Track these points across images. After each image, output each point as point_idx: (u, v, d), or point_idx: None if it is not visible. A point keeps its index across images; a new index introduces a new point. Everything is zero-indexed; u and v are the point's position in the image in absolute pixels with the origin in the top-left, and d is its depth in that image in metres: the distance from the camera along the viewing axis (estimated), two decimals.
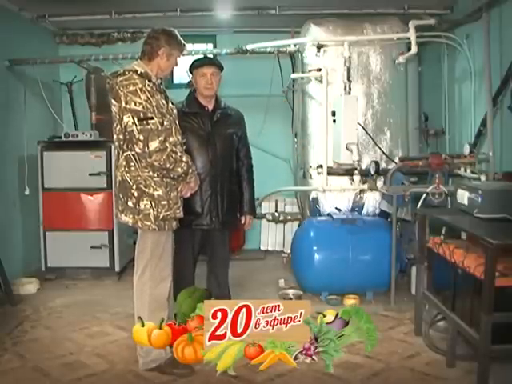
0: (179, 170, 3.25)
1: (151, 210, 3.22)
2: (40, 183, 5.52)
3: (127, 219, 3.28)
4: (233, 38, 6.42)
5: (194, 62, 4.03)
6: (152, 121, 3.12)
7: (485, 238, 2.91)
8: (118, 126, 3.21)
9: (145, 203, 3.22)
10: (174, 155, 3.19)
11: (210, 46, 6.87)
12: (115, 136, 3.27)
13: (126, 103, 3.12)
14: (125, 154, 3.23)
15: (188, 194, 3.48)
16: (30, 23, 5.91)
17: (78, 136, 5.54)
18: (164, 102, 3.30)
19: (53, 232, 5.52)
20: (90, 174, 5.44)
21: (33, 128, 5.70)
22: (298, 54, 5.63)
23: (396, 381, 3.32)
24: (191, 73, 4.04)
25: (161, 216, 3.24)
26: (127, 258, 5.82)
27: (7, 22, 5.45)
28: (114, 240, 5.51)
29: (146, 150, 3.12)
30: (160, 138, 3.12)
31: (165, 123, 3.21)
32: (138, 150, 3.14)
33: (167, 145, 3.15)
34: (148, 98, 3.14)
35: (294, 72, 5.68)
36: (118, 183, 3.32)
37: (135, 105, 3.11)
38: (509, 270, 3.01)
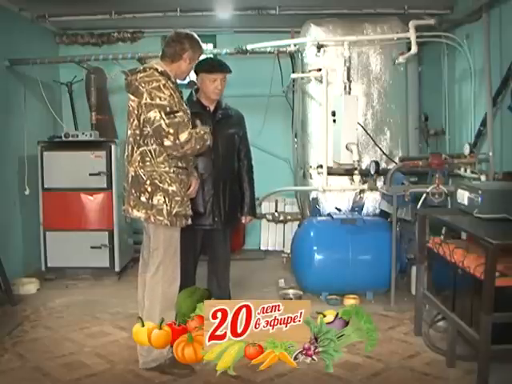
0: (208, 142, 3.36)
1: (164, 205, 3.24)
2: (40, 183, 5.51)
3: (139, 214, 3.29)
4: (233, 37, 6.42)
5: (204, 64, 3.89)
6: (178, 114, 3.19)
7: (485, 238, 2.91)
8: (135, 122, 3.25)
9: (158, 198, 3.24)
10: (196, 135, 3.25)
11: (210, 45, 6.85)
12: (130, 131, 3.30)
13: (152, 99, 3.17)
14: (140, 149, 3.26)
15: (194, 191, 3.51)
16: (30, 23, 5.90)
17: (78, 136, 5.53)
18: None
19: (53, 232, 5.52)
20: (90, 174, 5.43)
21: (33, 128, 5.68)
22: (298, 53, 5.62)
23: (396, 381, 3.32)
24: (196, 74, 3.94)
25: (174, 212, 3.26)
26: (127, 257, 5.84)
27: (7, 22, 5.45)
28: (114, 240, 5.51)
29: (177, 141, 3.17)
30: (189, 130, 3.20)
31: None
32: (168, 142, 3.17)
33: (192, 132, 3.23)
34: (171, 93, 3.21)
35: (294, 72, 5.68)
36: (130, 178, 3.33)
37: (160, 100, 3.17)
38: (509, 270, 3.01)
